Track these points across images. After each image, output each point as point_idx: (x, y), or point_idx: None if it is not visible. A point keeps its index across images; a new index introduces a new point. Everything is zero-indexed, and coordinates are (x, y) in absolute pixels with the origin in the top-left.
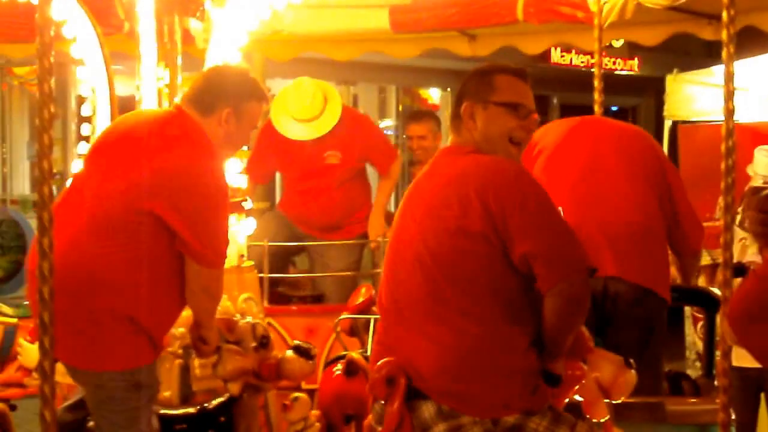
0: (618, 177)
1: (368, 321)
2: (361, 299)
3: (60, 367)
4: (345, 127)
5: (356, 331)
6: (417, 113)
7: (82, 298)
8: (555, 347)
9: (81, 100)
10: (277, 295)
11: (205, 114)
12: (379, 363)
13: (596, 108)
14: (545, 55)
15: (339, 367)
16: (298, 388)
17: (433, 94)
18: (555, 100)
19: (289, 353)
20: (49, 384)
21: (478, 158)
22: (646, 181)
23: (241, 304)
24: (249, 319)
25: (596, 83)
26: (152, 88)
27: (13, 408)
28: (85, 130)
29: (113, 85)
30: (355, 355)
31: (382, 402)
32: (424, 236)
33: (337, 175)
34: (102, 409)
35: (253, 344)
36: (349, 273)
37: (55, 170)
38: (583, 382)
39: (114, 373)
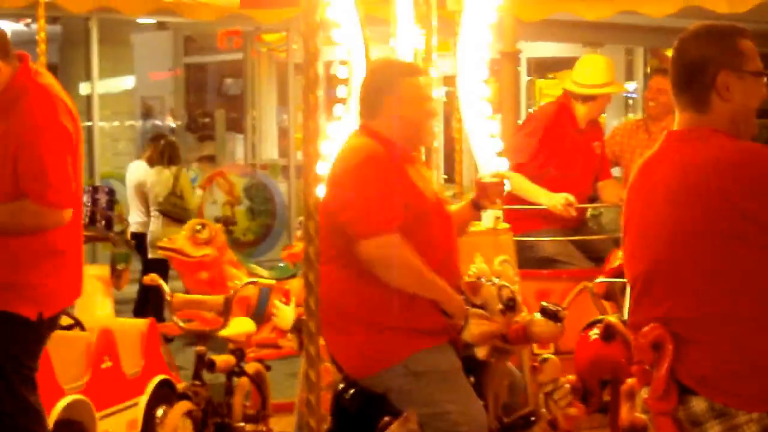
0: None
1: (624, 284)
2: (617, 263)
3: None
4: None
5: (612, 294)
6: (665, 68)
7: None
8: None
9: (328, 64)
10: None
11: (374, 116)
12: (645, 328)
13: None
14: None
15: (596, 332)
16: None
17: None
18: None
19: (537, 316)
20: (314, 344)
21: (727, 146)
22: None
23: (497, 266)
24: (495, 281)
25: None
26: (408, 51)
27: (267, 368)
28: (341, 92)
29: (368, 47)
30: (612, 319)
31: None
32: (673, 235)
33: (595, 168)
34: (402, 406)
35: (500, 307)
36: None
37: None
38: None
39: (385, 372)
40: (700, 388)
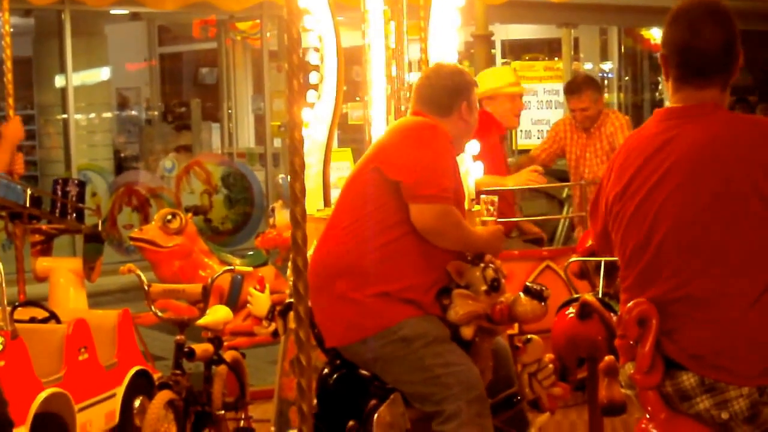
0: None
1: (598, 263)
2: (590, 242)
3: None
4: None
5: (586, 273)
6: (573, 85)
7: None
8: None
9: (303, 52)
10: None
11: (445, 115)
12: (629, 304)
13: None
14: None
15: (572, 310)
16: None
17: (655, 34)
18: None
19: (521, 295)
20: (304, 329)
21: (748, 121)
22: None
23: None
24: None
25: None
26: (379, 36)
27: (242, 356)
28: (313, 78)
29: (339, 34)
30: (588, 297)
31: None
32: (682, 212)
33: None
34: (390, 374)
35: (484, 287)
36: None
37: (280, 122)
38: None
39: (374, 338)
40: (691, 363)
